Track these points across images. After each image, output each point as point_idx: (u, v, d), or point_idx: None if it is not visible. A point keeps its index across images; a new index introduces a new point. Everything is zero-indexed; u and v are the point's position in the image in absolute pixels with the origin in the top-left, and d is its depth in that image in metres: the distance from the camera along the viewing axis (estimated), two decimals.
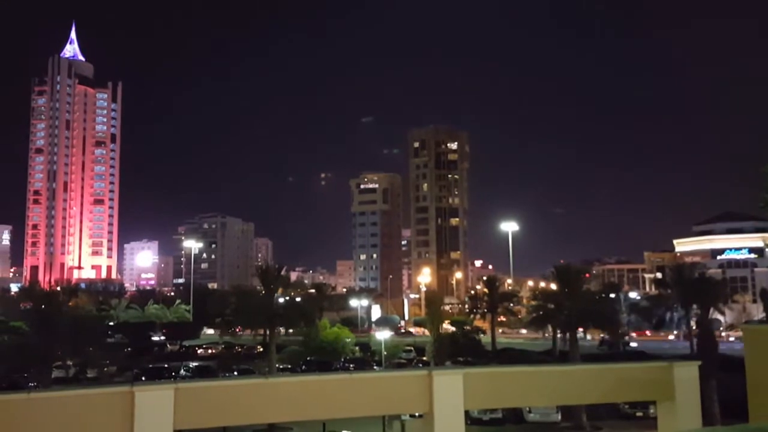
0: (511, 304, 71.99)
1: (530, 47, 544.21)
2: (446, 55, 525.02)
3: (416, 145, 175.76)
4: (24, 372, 38.72)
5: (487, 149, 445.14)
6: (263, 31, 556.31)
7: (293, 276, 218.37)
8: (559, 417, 37.29)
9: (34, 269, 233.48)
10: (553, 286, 55.59)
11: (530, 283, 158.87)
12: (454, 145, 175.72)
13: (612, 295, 67.06)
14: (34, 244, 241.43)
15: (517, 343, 76.32)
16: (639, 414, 35.99)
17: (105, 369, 48.06)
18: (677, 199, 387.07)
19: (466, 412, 16.16)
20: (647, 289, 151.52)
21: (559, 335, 48.57)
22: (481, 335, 67.80)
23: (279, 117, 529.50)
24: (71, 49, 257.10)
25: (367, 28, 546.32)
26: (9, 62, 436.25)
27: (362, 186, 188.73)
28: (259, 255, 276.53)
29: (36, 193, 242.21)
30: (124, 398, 12.29)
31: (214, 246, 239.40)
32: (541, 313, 48.38)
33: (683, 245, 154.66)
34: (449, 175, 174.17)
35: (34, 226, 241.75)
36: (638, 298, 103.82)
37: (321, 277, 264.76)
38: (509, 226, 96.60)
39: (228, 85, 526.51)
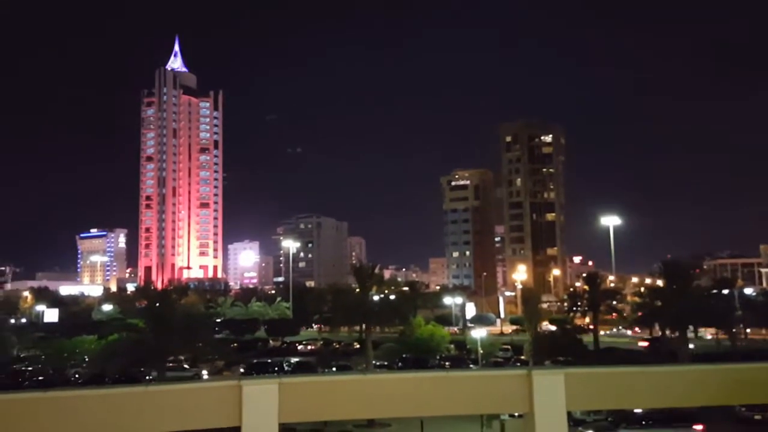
0: (614, 302, 69.02)
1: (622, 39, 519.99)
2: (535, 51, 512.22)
3: (508, 139, 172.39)
4: (141, 366, 41.46)
5: (585, 141, 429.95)
6: (354, 30, 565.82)
7: (386, 274, 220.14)
8: None
9: (148, 270, 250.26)
10: (660, 283, 52.77)
11: (634, 279, 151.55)
12: (548, 138, 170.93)
13: (725, 292, 62.76)
14: (147, 246, 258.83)
15: (621, 342, 73.13)
16: (757, 417, 33.51)
17: (214, 363, 50.75)
18: None
19: (569, 414, 15.67)
20: (765, 284, 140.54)
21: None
22: (583, 334, 65.48)
23: (369, 116, 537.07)
24: (176, 61, 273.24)
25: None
26: (118, 75, 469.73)
27: (453, 183, 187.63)
28: (353, 253, 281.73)
29: (148, 198, 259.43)
30: (232, 391, 12.89)
31: (310, 245, 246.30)
32: (647, 310, 46.14)
33: None
34: (544, 169, 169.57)
35: (147, 230, 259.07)
36: (754, 294, 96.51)
37: (414, 275, 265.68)
38: (610, 221, 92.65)
39: (317, 87, 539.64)
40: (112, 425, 12.77)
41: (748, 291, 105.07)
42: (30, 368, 56.91)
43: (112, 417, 12.51)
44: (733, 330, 54.43)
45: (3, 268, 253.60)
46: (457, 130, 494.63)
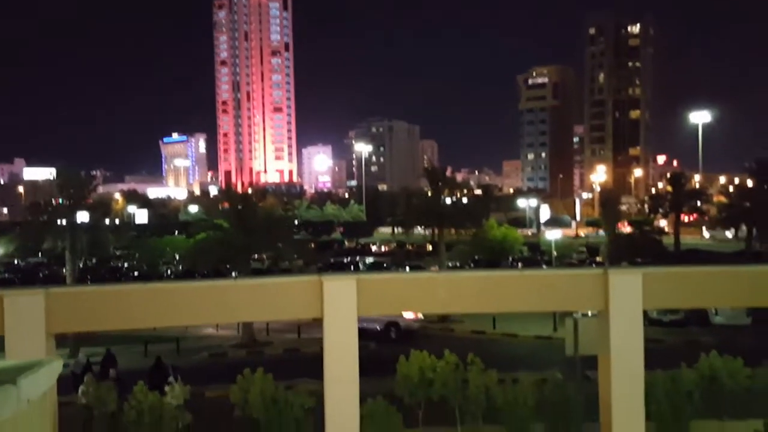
0: (699, 203, 66.27)
1: None
2: None
3: (592, 31, 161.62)
4: (227, 264, 44.04)
5: (678, 31, 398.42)
6: None
7: (459, 177, 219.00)
8: (750, 320, 34.57)
9: (227, 174, 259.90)
10: (750, 183, 50.05)
11: (723, 179, 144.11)
12: (635, 29, 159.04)
13: None
14: (225, 150, 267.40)
15: (704, 244, 70.84)
16: None
17: (293, 262, 53.18)
18: None
19: (645, 314, 15.56)
20: None
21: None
22: (663, 236, 63.69)
23: (442, 18, 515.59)
24: None
25: None
26: None
27: (530, 81, 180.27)
28: (425, 157, 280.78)
29: (224, 103, 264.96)
30: (314, 286, 13.52)
31: (382, 149, 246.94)
32: (733, 211, 44.17)
33: None
34: (630, 63, 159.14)
35: (225, 134, 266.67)
36: None
37: (487, 178, 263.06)
38: (699, 117, 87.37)
39: None
40: (205, 313, 13.85)
41: None
42: (126, 265, 61.73)
43: (204, 306, 13.53)
44: None
45: (94, 172, 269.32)
46: (536, 25, 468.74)
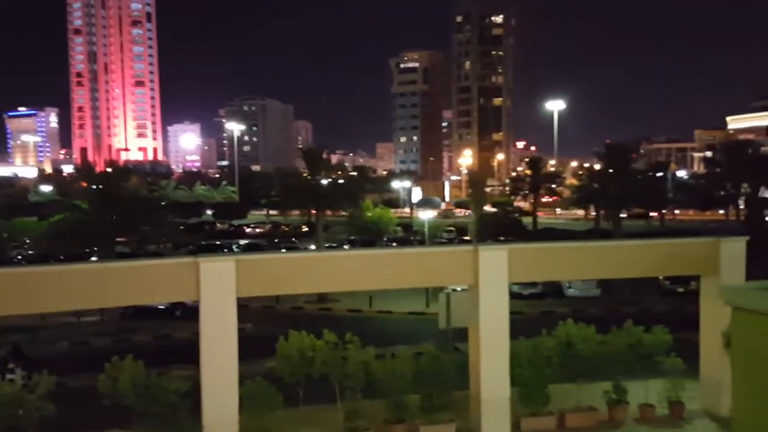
0: (554, 185, 71.64)
1: None
2: None
3: (459, 19, 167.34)
4: (87, 248, 41.11)
5: (537, 24, 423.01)
6: None
7: (334, 158, 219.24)
8: (599, 292, 38.07)
9: (83, 151, 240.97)
10: (598, 167, 54.84)
11: (574, 163, 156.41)
12: (499, 19, 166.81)
13: (659, 174, 65.61)
14: (81, 126, 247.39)
15: (558, 223, 76.78)
16: (680, 290, 36.35)
17: (161, 245, 50.69)
18: (741, 75, 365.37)
19: None
20: (696, 168, 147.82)
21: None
22: (523, 216, 68.27)
23: None
24: None
25: None
26: None
27: (402, 65, 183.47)
28: (299, 138, 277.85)
29: (78, 75, 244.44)
30: (189, 268, 13.09)
31: (255, 128, 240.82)
32: (584, 193, 48.19)
33: (737, 122, 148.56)
34: (493, 52, 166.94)
35: (80, 109, 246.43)
36: (686, 177, 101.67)
37: (361, 160, 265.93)
38: (555, 105, 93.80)
39: None
40: (70, 299, 12.91)
41: (681, 174, 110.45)
42: None
43: (69, 292, 12.61)
44: (663, 210, 57.71)
45: None
46: (412, 8, 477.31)
